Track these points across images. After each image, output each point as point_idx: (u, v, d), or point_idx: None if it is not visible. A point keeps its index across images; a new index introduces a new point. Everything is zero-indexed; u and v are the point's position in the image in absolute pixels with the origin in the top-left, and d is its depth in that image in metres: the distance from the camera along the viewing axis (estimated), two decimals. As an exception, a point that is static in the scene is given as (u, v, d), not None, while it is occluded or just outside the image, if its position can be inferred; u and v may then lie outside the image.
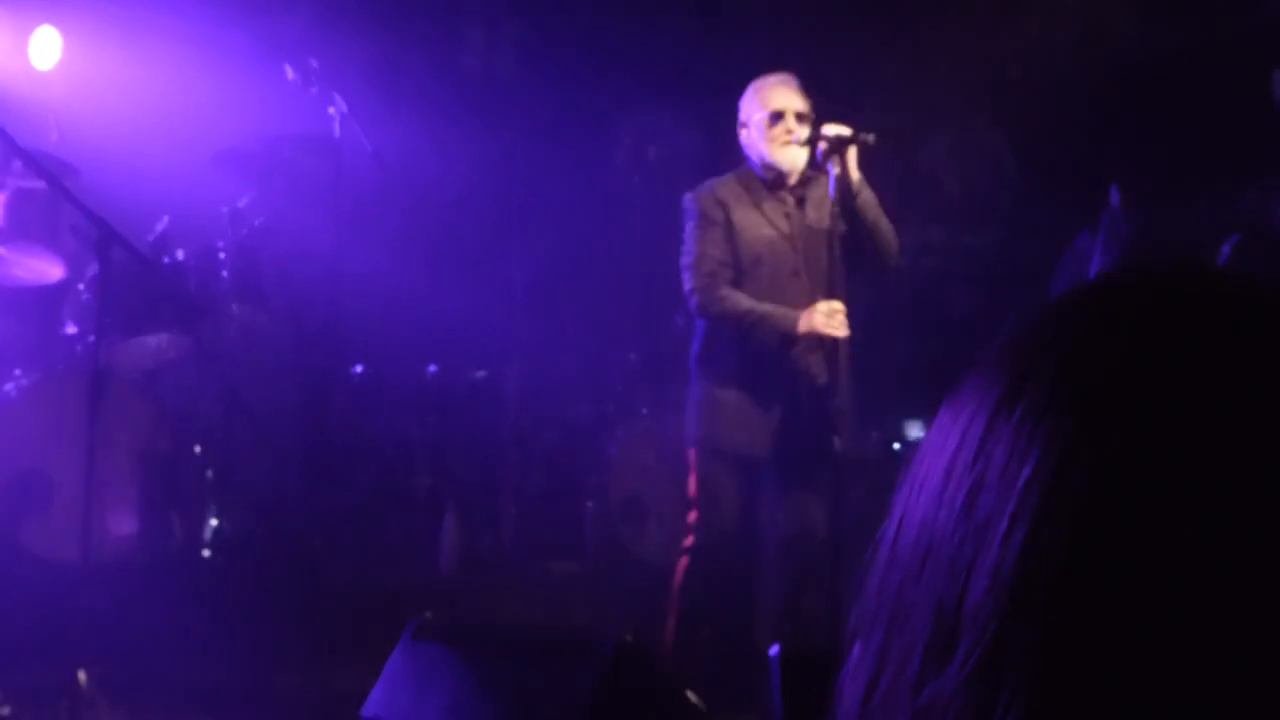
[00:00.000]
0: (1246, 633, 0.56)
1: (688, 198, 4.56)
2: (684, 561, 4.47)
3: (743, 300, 4.33)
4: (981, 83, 6.87)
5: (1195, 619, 0.56)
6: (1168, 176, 6.58)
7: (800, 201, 4.45)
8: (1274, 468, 0.57)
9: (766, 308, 4.31)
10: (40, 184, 4.73)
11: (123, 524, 5.17)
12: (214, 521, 5.56)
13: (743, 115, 4.56)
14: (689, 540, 4.47)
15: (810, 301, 4.29)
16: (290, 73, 5.82)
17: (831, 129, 4.24)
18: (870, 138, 4.23)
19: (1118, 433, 0.58)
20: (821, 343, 4.30)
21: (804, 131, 4.34)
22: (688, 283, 4.46)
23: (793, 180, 4.44)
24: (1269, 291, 0.62)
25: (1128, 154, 6.79)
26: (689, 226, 4.52)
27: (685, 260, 4.49)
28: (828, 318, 4.21)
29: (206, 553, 5.50)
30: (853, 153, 4.26)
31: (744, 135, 4.54)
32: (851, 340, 4.31)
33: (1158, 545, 0.56)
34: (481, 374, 6.58)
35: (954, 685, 0.59)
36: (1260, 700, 0.55)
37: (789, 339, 4.28)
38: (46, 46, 6.05)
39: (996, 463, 0.61)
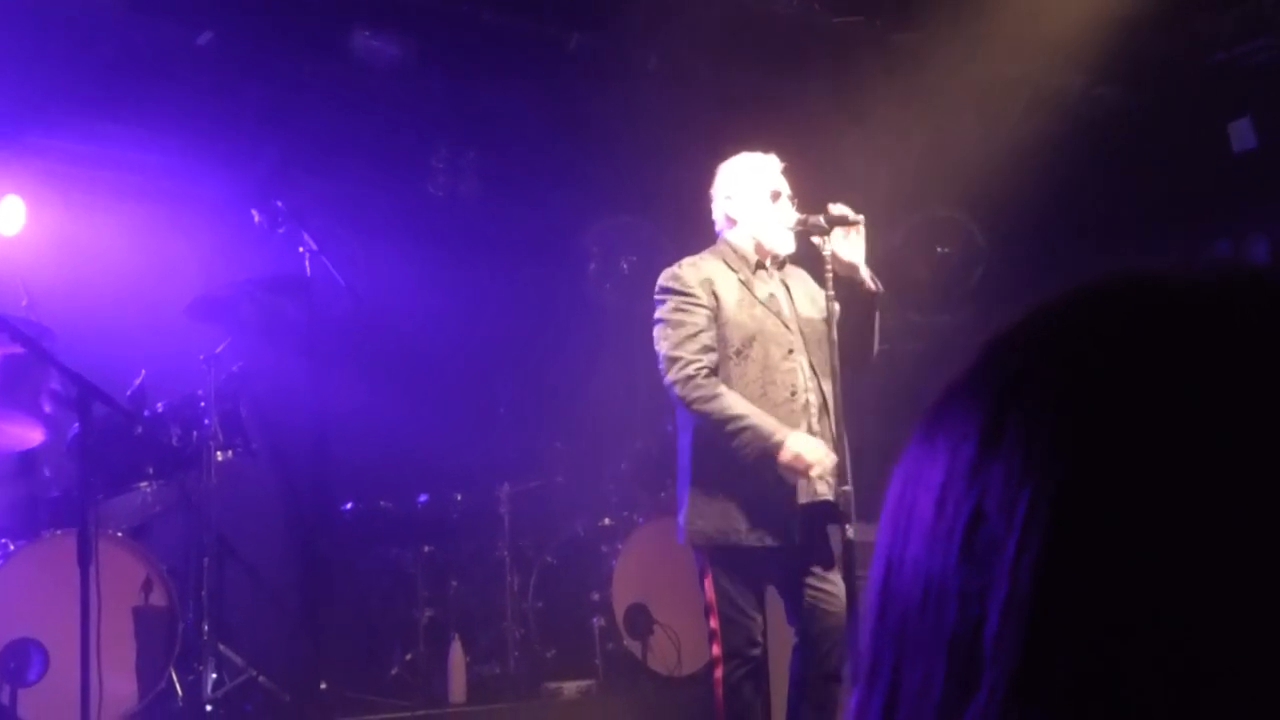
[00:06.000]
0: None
1: (667, 274, 4.26)
2: (718, 673, 4.14)
3: (731, 403, 4.03)
4: (942, 162, 6.95)
5: (1222, 623, 0.55)
6: (1138, 233, 6.65)
7: (783, 281, 4.34)
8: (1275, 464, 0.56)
9: (753, 420, 4.00)
10: (14, 349, 4.69)
11: (122, 687, 5.05)
12: (214, 675, 5.44)
13: (729, 189, 4.35)
14: (715, 649, 4.15)
15: (809, 384, 4.17)
16: (256, 216, 5.86)
17: (837, 208, 4.13)
18: (861, 218, 4.13)
19: (1115, 449, 0.58)
20: (824, 421, 4.17)
21: (795, 215, 4.24)
22: (669, 373, 4.13)
23: (778, 261, 4.35)
24: (1242, 288, 0.61)
25: (1097, 214, 6.87)
26: (667, 305, 4.21)
27: (664, 346, 4.17)
28: (815, 471, 3.98)
29: (209, 708, 5.38)
30: (854, 234, 4.13)
31: (729, 208, 4.33)
32: (849, 426, 4.15)
33: (1168, 553, 0.56)
34: (473, 498, 6.51)
35: (986, 712, 0.58)
36: None
37: (768, 455, 3.99)
38: (11, 214, 6.06)
39: (993, 492, 0.60)
